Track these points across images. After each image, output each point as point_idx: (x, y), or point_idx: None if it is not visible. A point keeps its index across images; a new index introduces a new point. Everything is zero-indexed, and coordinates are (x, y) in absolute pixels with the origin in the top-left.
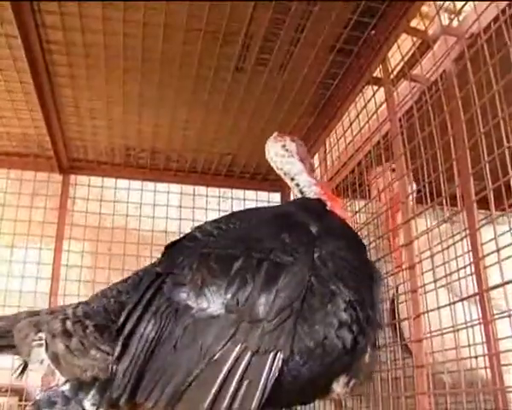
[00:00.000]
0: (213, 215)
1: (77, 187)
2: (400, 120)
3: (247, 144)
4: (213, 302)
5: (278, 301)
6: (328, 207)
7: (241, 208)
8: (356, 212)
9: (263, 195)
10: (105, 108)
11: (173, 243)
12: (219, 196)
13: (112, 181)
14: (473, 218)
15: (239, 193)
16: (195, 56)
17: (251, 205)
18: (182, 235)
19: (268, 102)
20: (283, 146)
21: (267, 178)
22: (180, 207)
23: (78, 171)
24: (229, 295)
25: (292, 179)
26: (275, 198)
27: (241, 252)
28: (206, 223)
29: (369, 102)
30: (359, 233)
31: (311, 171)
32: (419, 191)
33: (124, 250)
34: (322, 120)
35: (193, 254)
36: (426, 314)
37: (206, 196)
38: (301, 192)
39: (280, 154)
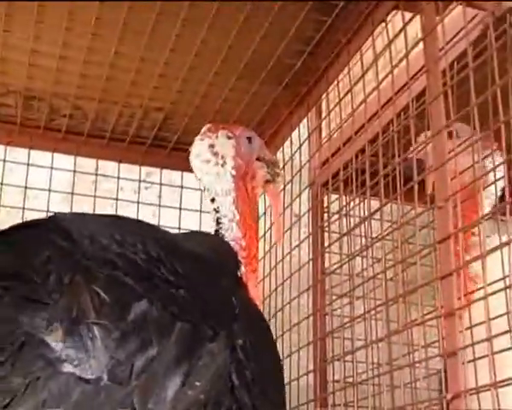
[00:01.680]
0: (129, 211)
1: None
2: (445, 72)
3: (191, 96)
4: (92, 356)
5: (191, 392)
6: (240, 273)
7: (177, 203)
8: (364, 218)
9: None
10: None
11: (22, 226)
12: (140, 180)
13: None
14: None
15: (173, 176)
16: None
17: (191, 197)
18: None
19: (230, 27)
20: (211, 146)
21: None
22: (72, 194)
23: None
24: (120, 354)
25: (212, 200)
26: None
27: (146, 290)
28: (78, 215)
29: (395, 38)
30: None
31: (266, 179)
32: None
33: None
34: (316, 62)
35: (65, 259)
36: None
37: (118, 177)
38: (218, 223)
39: (203, 158)
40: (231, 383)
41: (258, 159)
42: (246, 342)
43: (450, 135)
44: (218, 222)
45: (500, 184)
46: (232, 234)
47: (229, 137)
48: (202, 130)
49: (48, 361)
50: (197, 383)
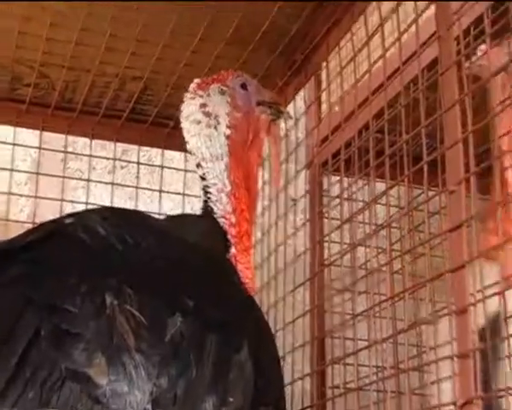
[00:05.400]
0: (102, 194)
1: None
2: (459, 38)
3: (173, 64)
4: (137, 387)
5: (227, 408)
6: (230, 255)
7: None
8: (368, 203)
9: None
10: None
11: (42, 239)
12: (115, 158)
13: None
14: None
15: (152, 154)
16: None
17: (173, 177)
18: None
19: None
20: (203, 106)
21: None
22: (37, 174)
23: None
24: (163, 380)
25: (198, 166)
26: None
27: (175, 303)
28: (90, 216)
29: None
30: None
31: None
32: None
33: None
34: (315, 26)
35: (92, 277)
36: None
37: (90, 155)
38: (206, 192)
39: (194, 118)
40: (257, 392)
41: (258, 103)
42: (259, 344)
43: None
44: (206, 192)
45: None
46: (221, 207)
47: (222, 92)
48: (191, 87)
49: (93, 398)
50: (231, 399)
